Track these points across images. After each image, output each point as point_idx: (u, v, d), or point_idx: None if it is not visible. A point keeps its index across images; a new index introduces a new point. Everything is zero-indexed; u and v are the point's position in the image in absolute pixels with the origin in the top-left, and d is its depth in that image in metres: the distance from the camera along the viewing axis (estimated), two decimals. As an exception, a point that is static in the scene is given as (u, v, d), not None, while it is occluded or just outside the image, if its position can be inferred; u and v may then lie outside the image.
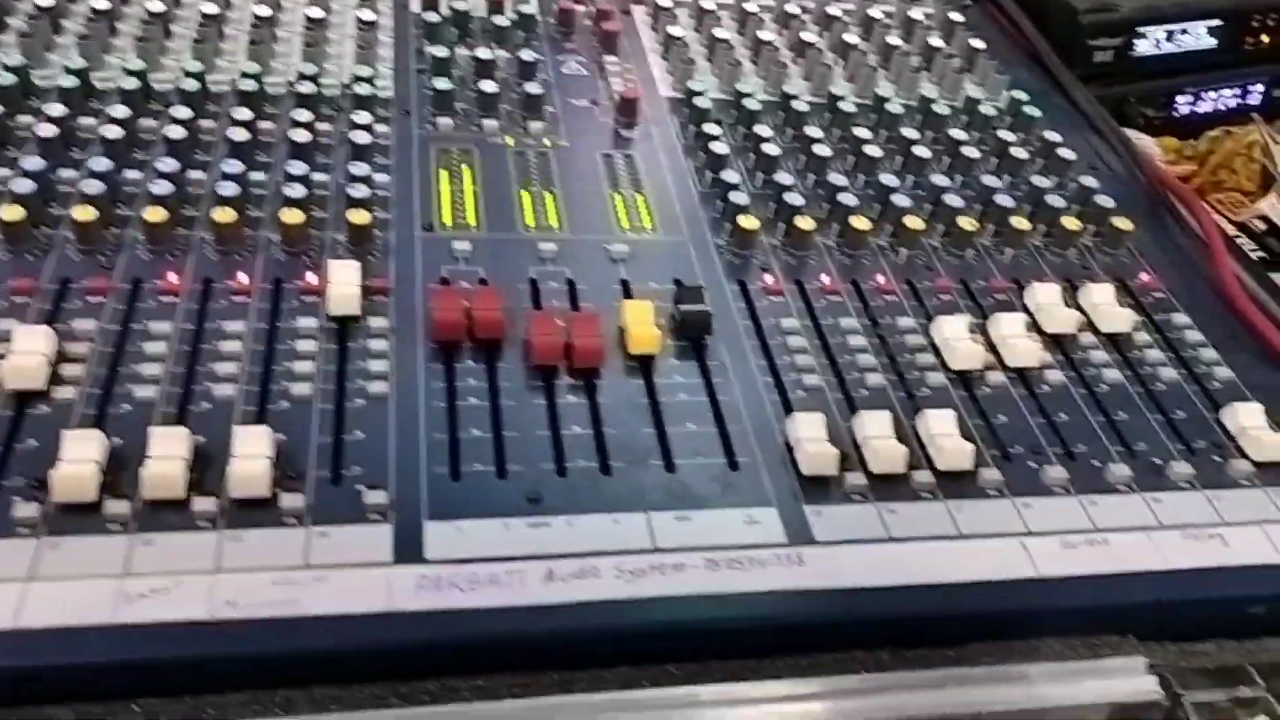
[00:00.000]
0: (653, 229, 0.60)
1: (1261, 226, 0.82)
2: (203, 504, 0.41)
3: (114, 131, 0.57)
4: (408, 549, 0.41)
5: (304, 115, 0.61)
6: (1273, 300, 0.62)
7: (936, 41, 0.78)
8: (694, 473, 0.46)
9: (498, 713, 0.38)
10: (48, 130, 0.57)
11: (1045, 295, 0.57)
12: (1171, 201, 0.68)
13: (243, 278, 0.52)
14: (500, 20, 0.74)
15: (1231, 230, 0.81)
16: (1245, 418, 0.52)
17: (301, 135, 0.59)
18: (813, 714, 0.41)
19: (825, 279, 0.58)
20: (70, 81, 0.61)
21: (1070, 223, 0.63)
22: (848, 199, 0.61)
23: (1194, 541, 0.47)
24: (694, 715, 0.40)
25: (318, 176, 0.58)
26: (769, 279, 0.57)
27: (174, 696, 0.37)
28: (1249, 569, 0.46)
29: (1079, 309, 0.58)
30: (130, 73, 0.62)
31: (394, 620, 0.39)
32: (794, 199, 0.61)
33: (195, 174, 0.57)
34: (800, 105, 0.69)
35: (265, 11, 0.70)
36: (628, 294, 0.55)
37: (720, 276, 0.57)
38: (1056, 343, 0.56)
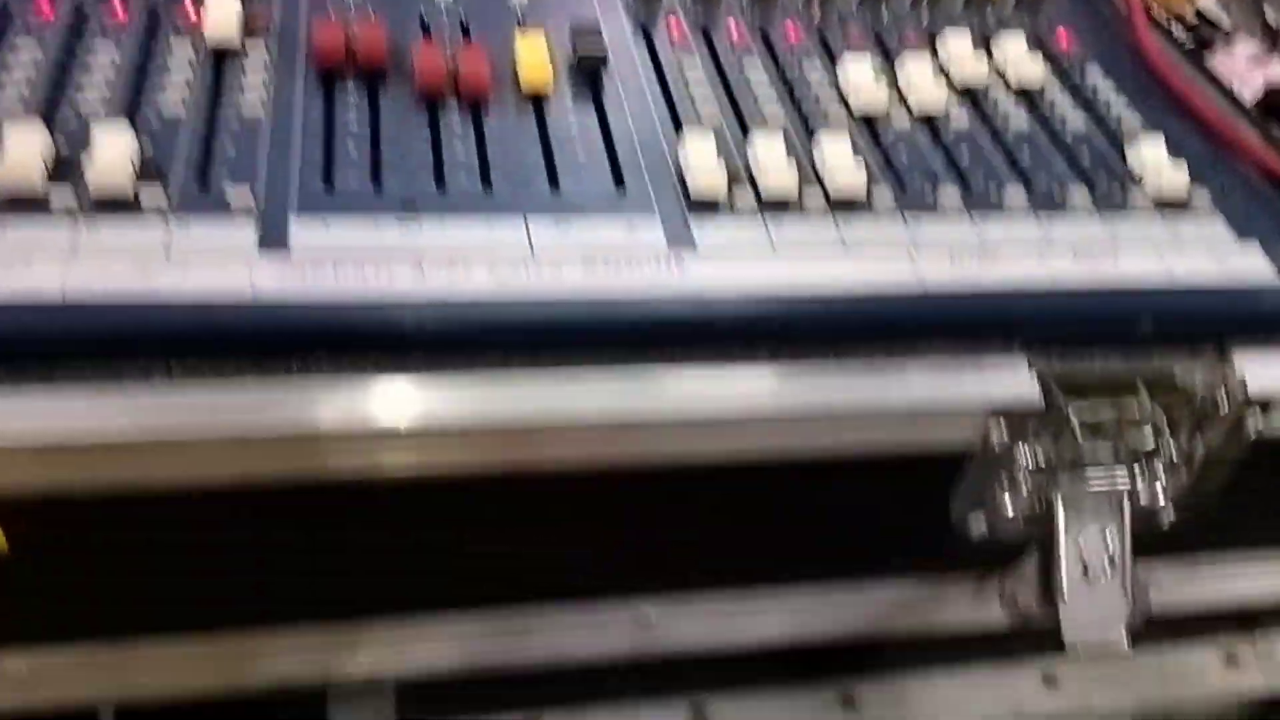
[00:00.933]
0: (556, -19, 0.58)
1: (1195, 21, 0.81)
2: (61, 196, 0.40)
3: None
4: (272, 240, 0.40)
5: None
6: (1188, 64, 0.61)
7: None
8: (579, 191, 0.45)
9: (359, 392, 0.38)
10: None
11: (956, 45, 0.56)
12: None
13: (117, 8, 0.50)
14: None
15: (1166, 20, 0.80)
16: (1148, 152, 0.51)
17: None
18: (682, 411, 0.41)
19: (733, 30, 0.56)
20: None
21: (988, -18, 0.61)
22: (761, -46, 0.59)
23: (1085, 260, 0.46)
24: (569, 403, 0.40)
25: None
26: (674, 29, 0.56)
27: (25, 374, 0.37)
28: (1138, 287, 0.46)
29: (992, 64, 0.56)
30: None
31: (254, 308, 0.38)
32: (703, -48, 0.59)
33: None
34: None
35: None
36: (524, 37, 0.53)
37: (624, 25, 0.56)
38: (966, 92, 0.55)
